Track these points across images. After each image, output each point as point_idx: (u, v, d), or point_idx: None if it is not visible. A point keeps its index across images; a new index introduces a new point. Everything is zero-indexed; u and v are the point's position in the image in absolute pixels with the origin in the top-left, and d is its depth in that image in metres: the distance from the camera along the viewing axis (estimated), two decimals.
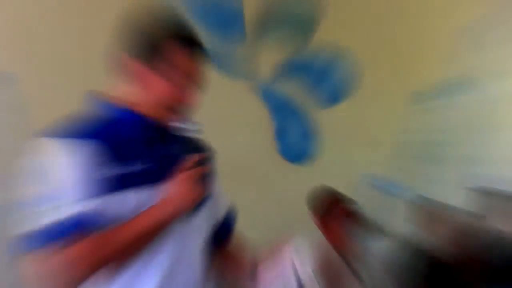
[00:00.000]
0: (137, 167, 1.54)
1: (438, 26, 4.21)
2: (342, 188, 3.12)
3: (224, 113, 3.27)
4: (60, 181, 1.45)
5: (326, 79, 3.72)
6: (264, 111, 3.58)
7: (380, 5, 3.94)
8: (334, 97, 3.75)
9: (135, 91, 1.60)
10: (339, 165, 3.82)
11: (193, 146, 1.66)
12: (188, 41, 1.56)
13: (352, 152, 3.90)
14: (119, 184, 1.51)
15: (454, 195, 4.24)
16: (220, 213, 1.86)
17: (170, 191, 1.55)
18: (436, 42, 4.21)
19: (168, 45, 1.54)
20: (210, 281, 1.77)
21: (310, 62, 3.65)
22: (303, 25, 3.61)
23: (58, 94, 3.07)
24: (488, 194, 3.83)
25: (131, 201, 1.52)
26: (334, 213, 2.96)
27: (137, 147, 1.57)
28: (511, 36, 4.58)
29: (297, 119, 3.69)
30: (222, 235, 1.86)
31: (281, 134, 3.63)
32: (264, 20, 3.48)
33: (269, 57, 3.53)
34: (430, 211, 3.69)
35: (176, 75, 1.55)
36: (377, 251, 3.22)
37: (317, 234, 2.96)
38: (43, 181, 1.45)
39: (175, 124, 1.63)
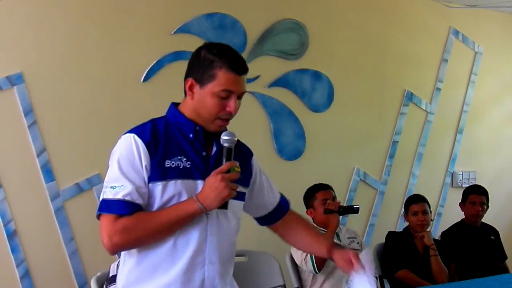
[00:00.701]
0: (181, 162, 1.76)
1: (415, 43, 4.62)
2: (331, 181, 3.42)
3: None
4: (119, 167, 1.71)
5: (310, 92, 4.07)
6: (264, 115, 3.90)
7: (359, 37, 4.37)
8: (318, 105, 4.13)
9: (192, 103, 1.82)
10: (328, 162, 4.16)
11: (229, 153, 1.77)
12: (235, 67, 1.78)
13: (340, 150, 4.24)
14: (164, 174, 1.72)
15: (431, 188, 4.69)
16: (269, 201, 2.06)
17: (205, 189, 1.71)
18: (414, 55, 4.62)
19: (218, 69, 1.76)
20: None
21: (298, 78, 4.02)
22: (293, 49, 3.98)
23: (63, 94, 3.17)
24: None
25: (171, 190, 1.73)
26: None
27: (184, 146, 1.78)
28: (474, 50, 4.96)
29: (291, 122, 4.00)
30: (280, 214, 2.09)
31: (277, 135, 3.95)
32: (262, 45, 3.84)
33: (266, 72, 3.87)
34: None
35: (222, 92, 1.76)
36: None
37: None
38: (111, 164, 1.75)
39: (219, 130, 1.81)
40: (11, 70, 3.05)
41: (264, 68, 3.85)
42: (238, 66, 1.80)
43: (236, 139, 1.80)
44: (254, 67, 3.77)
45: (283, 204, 2.12)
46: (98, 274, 2.40)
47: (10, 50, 3.06)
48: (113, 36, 3.34)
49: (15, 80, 3.05)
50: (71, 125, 3.21)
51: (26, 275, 3.06)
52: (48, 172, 3.13)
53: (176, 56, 3.49)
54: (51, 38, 3.16)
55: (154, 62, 3.45)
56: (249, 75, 4.01)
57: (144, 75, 3.43)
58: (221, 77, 1.77)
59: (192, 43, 3.43)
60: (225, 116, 1.80)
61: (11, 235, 3.02)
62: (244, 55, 3.74)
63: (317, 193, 3.26)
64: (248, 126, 3.75)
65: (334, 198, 3.26)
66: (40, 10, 3.14)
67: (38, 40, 3.13)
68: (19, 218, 3.05)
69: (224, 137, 1.77)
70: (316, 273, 3.04)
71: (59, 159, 3.16)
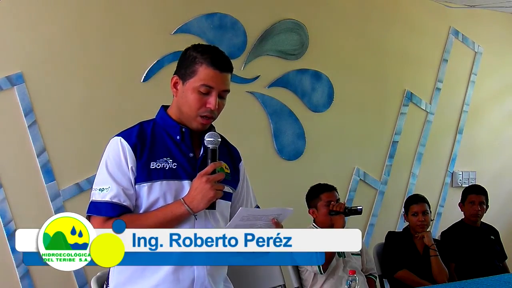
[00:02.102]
0: (166, 164, 1.79)
1: (415, 42, 4.62)
2: (331, 181, 3.38)
3: (229, 117, 3.50)
4: (106, 169, 1.77)
5: (310, 92, 4.07)
6: (264, 115, 3.90)
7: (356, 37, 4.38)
8: (318, 105, 4.13)
9: (176, 101, 1.86)
10: (328, 162, 4.16)
11: (214, 154, 1.80)
12: (216, 63, 1.80)
13: (340, 150, 4.25)
14: (150, 175, 1.77)
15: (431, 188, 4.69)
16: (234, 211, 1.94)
17: (191, 191, 1.74)
18: (414, 55, 4.61)
19: (200, 65, 1.79)
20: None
21: (298, 78, 4.02)
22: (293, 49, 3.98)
23: (63, 94, 3.17)
24: None
25: (156, 191, 1.77)
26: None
27: (171, 148, 1.81)
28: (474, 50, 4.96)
29: (291, 122, 4.00)
30: None
31: (277, 135, 3.95)
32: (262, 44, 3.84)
33: (266, 72, 3.87)
34: None
35: (202, 87, 1.78)
36: None
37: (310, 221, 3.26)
38: (100, 167, 1.81)
39: (201, 129, 1.82)
40: (11, 70, 3.04)
41: (264, 68, 3.85)
42: (219, 63, 1.81)
43: (219, 140, 1.81)
44: (254, 67, 3.81)
45: None
46: (98, 274, 2.39)
47: (10, 50, 3.06)
48: (113, 36, 3.34)
49: (15, 80, 3.05)
50: (71, 125, 3.21)
51: (26, 275, 3.05)
52: (48, 172, 3.13)
53: (176, 56, 3.40)
54: (51, 38, 3.15)
55: (154, 62, 3.45)
56: (249, 75, 4.03)
57: (144, 75, 3.43)
58: (201, 73, 1.79)
59: (192, 43, 3.39)
60: (205, 113, 1.81)
61: (11, 235, 3.01)
62: (244, 55, 3.76)
63: (322, 194, 3.22)
64: (248, 126, 3.79)
65: (338, 200, 3.24)
66: (40, 10, 3.13)
67: (38, 40, 3.12)
68: (19, 218, 3.05)
69: (207, 138, 1.80)
70: (322, 273, 3.03)
71: (59, 159, 3.16)
